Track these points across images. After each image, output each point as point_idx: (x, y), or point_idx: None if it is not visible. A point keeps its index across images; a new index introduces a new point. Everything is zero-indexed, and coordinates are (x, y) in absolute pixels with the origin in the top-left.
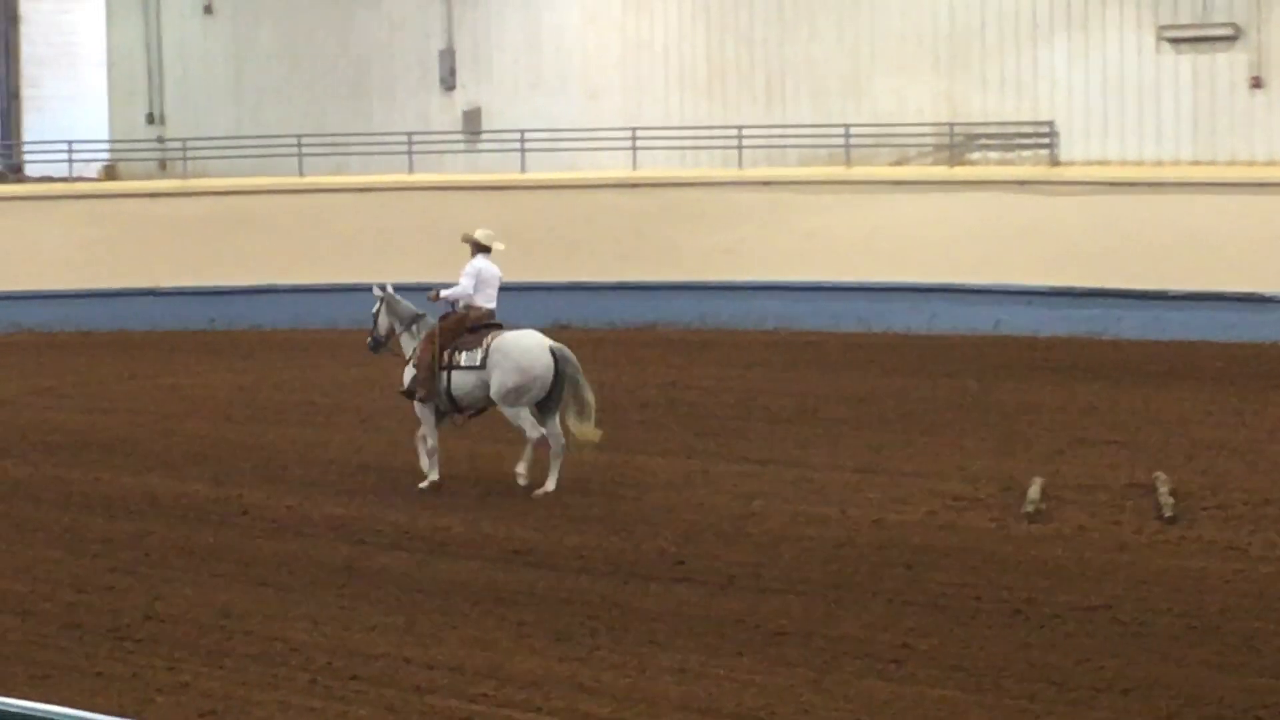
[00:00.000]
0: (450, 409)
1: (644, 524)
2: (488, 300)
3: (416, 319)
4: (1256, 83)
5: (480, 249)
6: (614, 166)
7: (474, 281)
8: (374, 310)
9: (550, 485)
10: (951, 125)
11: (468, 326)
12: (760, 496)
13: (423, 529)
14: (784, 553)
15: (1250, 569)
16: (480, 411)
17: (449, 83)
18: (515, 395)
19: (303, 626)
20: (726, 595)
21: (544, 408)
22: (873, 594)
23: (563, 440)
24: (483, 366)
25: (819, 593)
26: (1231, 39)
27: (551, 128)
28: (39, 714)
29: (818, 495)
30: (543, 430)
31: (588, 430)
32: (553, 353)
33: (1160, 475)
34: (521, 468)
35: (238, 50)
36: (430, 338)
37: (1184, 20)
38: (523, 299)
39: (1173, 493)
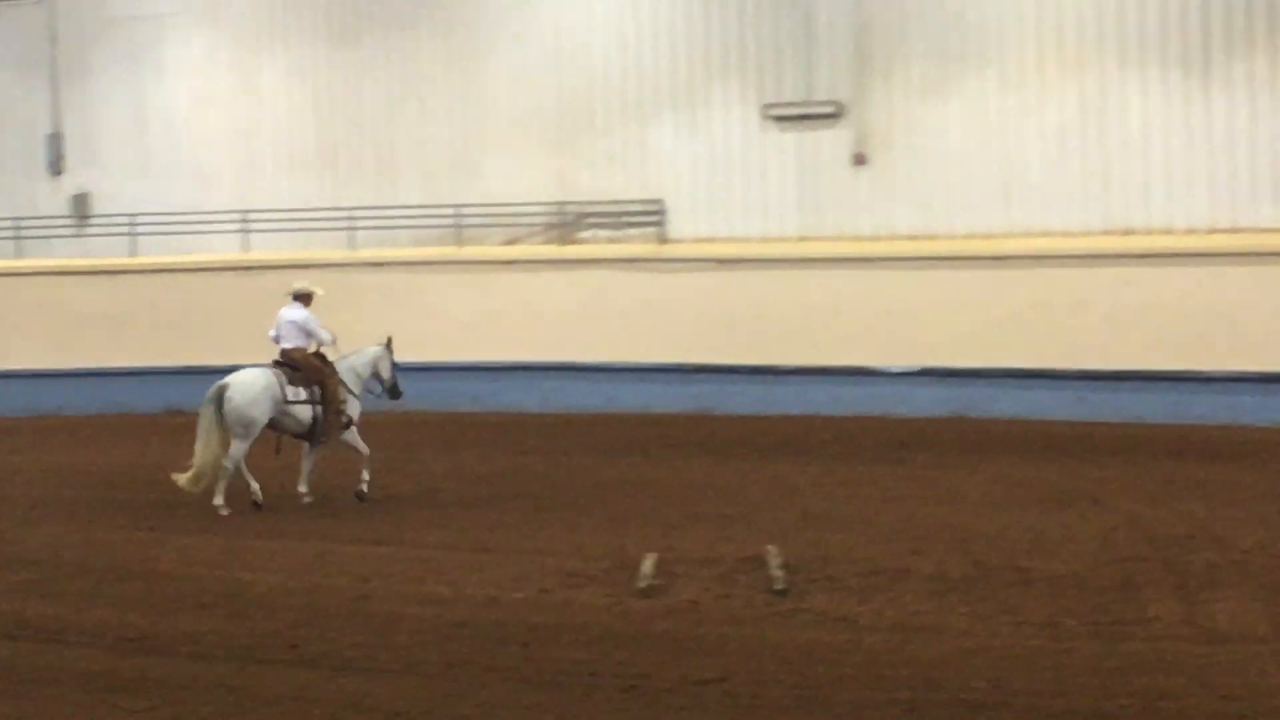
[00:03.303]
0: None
1: (259, 607)
2: (284, 342)
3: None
4: (859, 159)
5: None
6: (226, 249)
7: (273, 326)
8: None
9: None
10: (562, 204)
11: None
12: (376, 577)
13: (34, 617)
14: (400, 633)
15: (859, 638)
16: (299, 436)
17: (57, 167)
18: None
19: None
20: (343, 677)
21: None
22: (489, 672)
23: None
24: None
25: (436, 673)
26: (834, 117)
27: (162, 211)
28: None
29: (433, 575)
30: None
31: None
32: (219, 390)
33: (771, 549)
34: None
35: None
36: None
37: (788, 99)
38: (134, 383)
39: (784, 565)
